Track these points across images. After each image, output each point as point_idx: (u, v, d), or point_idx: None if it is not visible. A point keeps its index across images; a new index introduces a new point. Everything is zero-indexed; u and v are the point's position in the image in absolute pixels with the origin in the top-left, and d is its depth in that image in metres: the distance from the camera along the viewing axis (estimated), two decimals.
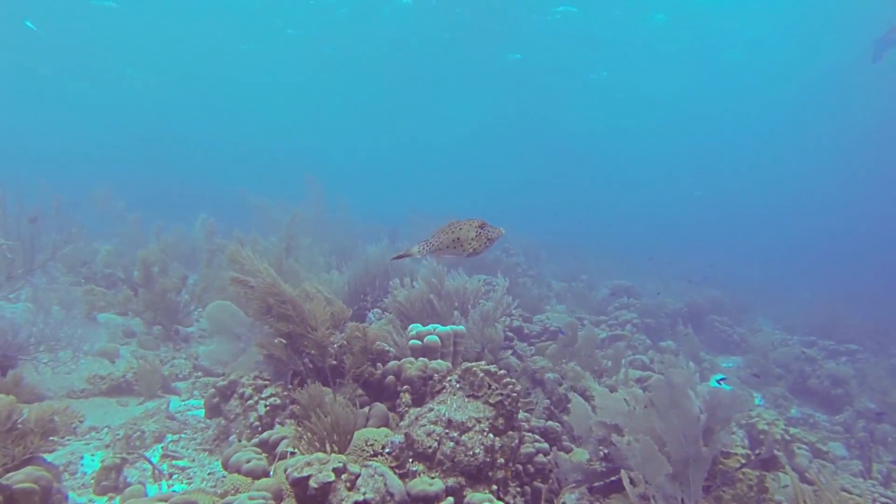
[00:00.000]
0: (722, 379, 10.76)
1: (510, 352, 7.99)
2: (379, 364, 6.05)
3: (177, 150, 65.18)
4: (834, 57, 29.84)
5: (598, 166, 69.89)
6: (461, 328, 5.69)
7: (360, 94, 46.93)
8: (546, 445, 4.83)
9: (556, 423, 5.46)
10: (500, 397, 4.27)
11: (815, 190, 64.11)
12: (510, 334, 8.42)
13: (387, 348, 6.16)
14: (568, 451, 5.32)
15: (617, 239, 33.87)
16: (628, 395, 4.73)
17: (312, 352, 4.89)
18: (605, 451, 4.91)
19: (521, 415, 5.35)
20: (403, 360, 5.18)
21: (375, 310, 9.36)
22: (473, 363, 4.51)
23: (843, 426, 9.28)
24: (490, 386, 4.34)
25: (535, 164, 71.65)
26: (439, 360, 5.06)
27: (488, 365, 4.46)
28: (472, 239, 3.26)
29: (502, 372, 4.44)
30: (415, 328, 5.73)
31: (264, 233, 11.31)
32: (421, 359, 5.18)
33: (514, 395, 4.29)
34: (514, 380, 4.39)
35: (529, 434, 5.03)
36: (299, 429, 3.94)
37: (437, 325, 5.73)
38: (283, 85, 46.32)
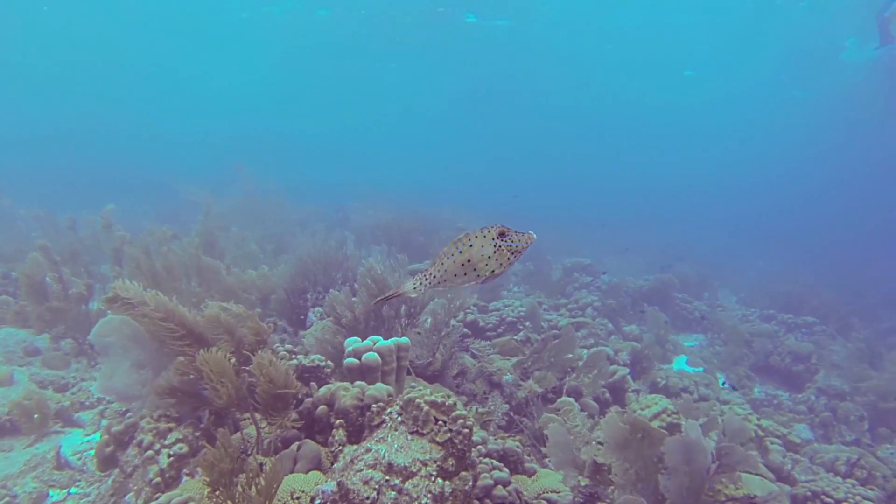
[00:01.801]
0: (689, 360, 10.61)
1: (465, 352, 7.44)
2: (313, 384, 5.40)
3: (105, 138, 61.83)
4: (795, 36, 30.05)
5: (555, 142, 70.04)
6: (404, 340, 5.06)
7: (300, 74, 45.26)
8: (506, 474, 4.30)
9: (516, 443, 4.92)
10: (449, 434, 3.67)
11: (758, 170, 66.28)
12: (465, 330, 7.86)
13: (321, 363, 5.50)
14: (531, 473, 4.81)
15: (574, 213, 33.73)
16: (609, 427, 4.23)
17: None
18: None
19: (478, 435, 4.79)
20: (337, 386, 4.51)
21: (317, 308, 8.62)
22: (417, 393, 3.90)
23: (806, 405, 9.20)
24: (437, 421, 3.74)
25: (490, 140, 71.21)
26: (379, 385, 4.41)
27: (434, 395, 3.85)
28: (490, 257, 2.40)
29: (451, 402, 3.84)
30: (351, 343, 5.08)
31: (195, 222, 10.34)
32: (358, 383, 4.53)
33: (466, 430, 3.70)
34: (465, 412, 3.80)
35: (486, 460, 4.48)
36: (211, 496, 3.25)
37: (378, 338, 5.08)
38: (220, 66, 44.27)
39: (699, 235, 31.60)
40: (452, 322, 7.70)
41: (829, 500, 5.32)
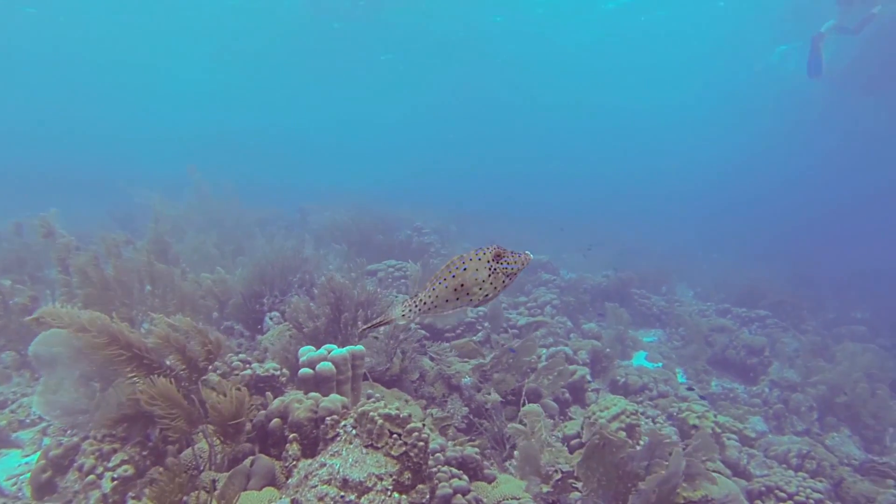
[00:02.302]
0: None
1: (424, 355, 7.38)
2: (268, 393, 5.27)
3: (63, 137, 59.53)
4: (747, 37, 30.87)
5: (518, 141, 70.66)
6: (359, 348, 4.98)
7: (255, 72, 44.36)
8: (465, 482, 4.26)
9: (475, 449, 4.88)
10: (404, 448, 3.61)
11: (714, 167, 68.16)
12: (424, 333, 7.80)
13: (275, 372, 5.37)
14: (491, 480, 4.78)
15: (537, 211, 33.99)
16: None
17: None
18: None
19: (435, 442, 4.74)
20: (291, 397, 4.40)
21: (274, 313, 8.44)
22: (371, 406, 3.82)
23: (760, 398, 9.47)
24: (392, 434, 3.67)
25: (451, 140, 71.37)
26: (333, 397, 4.32)
27: (388, 407, 3.78)
28: (485, 281, 2.29)
29: (406, 414, 3.78)
30: (305, 353, 4.96)
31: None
32: (312, 395, 4.43)
33: (422, 443, 3.65)
34: (420, 424, 3.74)
35: (445, 468, 4.43)
36: None
37: (332, 347, 4.98)
38: (172, 63, 43.04)
39: (660, 231, 32.29)
40: (412, 326, 7.65)
41: (782, 494, 5.47)
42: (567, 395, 6.98)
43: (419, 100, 52.14)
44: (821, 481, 5.88)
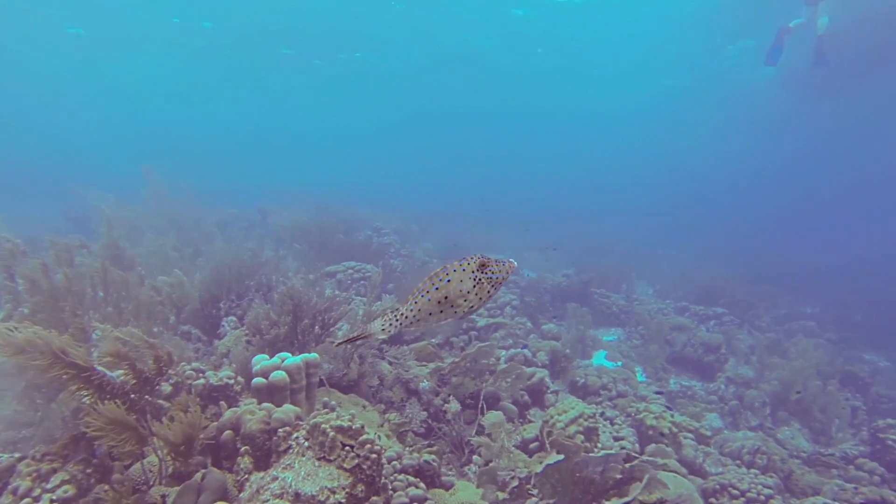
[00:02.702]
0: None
1: (382, 359, 7.33)
2: (222, 403, 5.17)
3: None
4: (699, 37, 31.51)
5: (480, 141, 70.86)
6: (313, 356, 4.92)
7: (214, 73, 43.43)
8: (422, 490, 4.25)
9: (433, 456, 4.87)
10: (357, 460, 3.57)
11: (673, 167, 69.67)
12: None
13: (230, 381, 5.26)
14: (448, 487, 4.78)
15: (497, 211, 34.16)
16: None
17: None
18: None
19: (392, 450, 4.72)
20: (243, 409, 4.31)
21: (230, 318, 8.29)
22: (323, 417, 3.77)
23: (717, 395, 9.71)
24: (345, 447, 3.63)
25: (412, 140, 71.20)
26: (286, 407, 4.25)
27: (341, 419, 3.74)
28: (470, 292, 2.18)
29: (358, 425, 3.74)
30: (259, 361, 4.87)
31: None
32: (265, 405, 4.35)
33: (374, 455, 3.62)
34: (373, 435, 3.71)
35: (402, 476, 4.41)
36: None
37: (286, 355, 4.90)
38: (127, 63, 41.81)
39: (622, 229, 32.82)
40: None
41: (735, 491, 5.62)
42: (526, 397, 7.03)
43: (382, 101, 51.84)
44: (771, 476, 6.06)
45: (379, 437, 4.50)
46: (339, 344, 2.33)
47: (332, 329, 6.89)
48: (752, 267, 22.42)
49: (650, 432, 6.41)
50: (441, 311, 2.17)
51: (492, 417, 6.09)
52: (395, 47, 36.48)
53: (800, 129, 40.11)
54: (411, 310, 2.18)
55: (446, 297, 2.15)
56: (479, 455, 5.64)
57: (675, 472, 5.90)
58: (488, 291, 2.22)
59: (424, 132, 66.62)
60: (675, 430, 6.42)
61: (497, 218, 29.44)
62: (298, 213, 15.91)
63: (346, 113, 59.09)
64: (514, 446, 5.77)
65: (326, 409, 4.37)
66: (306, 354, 4.93)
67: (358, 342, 6.66)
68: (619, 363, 10.42)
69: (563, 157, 76.91)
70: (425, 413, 6.57)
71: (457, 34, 33.88)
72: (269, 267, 9.57)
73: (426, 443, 6.05)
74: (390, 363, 7.23)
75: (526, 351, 8.17)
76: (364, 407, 6.24)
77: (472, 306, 2.21)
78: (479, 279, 2.19)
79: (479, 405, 6.49)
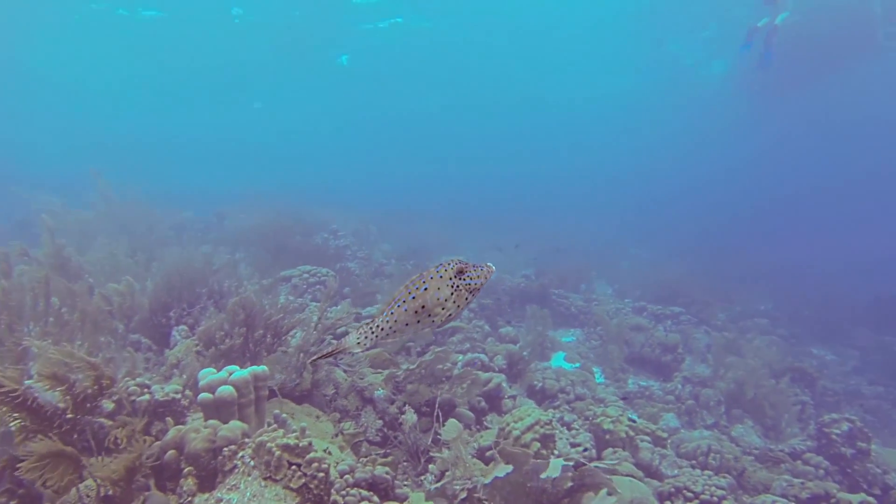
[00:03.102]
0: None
1: (337, 366, 7.23)
2: (169, 419, 5.00)
3: None
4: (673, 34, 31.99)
5: (439, 140, 70.96)
6: (262, 369, 4.80)
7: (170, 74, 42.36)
8: None
9: (386, 469, 4.81)
10: (303, 479, 3.49)
11: (635, 165, 71.02)
12: (336, 342, 7.63)
13: (176, 395, 5.10)
14: (402, 500, 4.72)
15: (459, 210, 34.11)
16: None
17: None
18: None
19: (345, 463, 4.63)
20: (188, 427, 4.17)
21: (181, 327, 8.05)
22: (269, 436, 3.67)
23: (674, 395, 9.90)
24: (291, 465, 3.54)
25: (372, 141, 70.90)
26: (233, 424, 4.13)
27: (287, 437, 3.65)
28: (447, 300, 2.11)
29: (305, 443, 3.66)
30: (206, 375, 4.72)
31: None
32: (211, 422, 4.22)
33: (322, 474, 3.54)
34: (320, 453, 3.63)
35: (354, 490, 4.33)
36: None
37: (234, 368, 4.76)
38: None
39: (583, 228, 33.17)
40: (327, 338, 7.49)
41: (689, 493, 5.72)
42: (483, 403, 7.02)
43: (343, 100, 51.41)
44: (724, 477, 6.19)
45: (330, 453, 4.41)
46: (315, 360, 2.25)
47: (284, 338, 6.77)
48: (711, 265, 23.00)
49: (607, 437, 6.48)
50: (418, 322, 2.11)
51: (448, 426, 6.07)
52: (356, 45, 36.18)
53: (753, 126, 41.23)
54: (387, 321, 2.11)
55: (423, 307, 2.08)
56: (435, 464, 5.61)
57: (632, 475, 5.98)
58: (466, 298, 2.15)
59: (387, 131, 66.37)
60: (631, 433, 6.50)
61: (458, 217, 29.47)
62: (256, 215, 15.65)
63: (309, 113, 58.37)
64: (470, 454, 5.75)
65: (275, 425, 4.26)
66: (255, 367, 4.81)
67: (299, 345, 6.58)
68: (578, 364, 10.53)
69: (527, 157, 77.57)
70: (381, 422, 6.51)
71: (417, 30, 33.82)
72: (222, 273, 9.35)
73: (382, 452, 5.99)
74: (345, 371, 7.14)
75: (483, 356, 8.17)
76: (318, 417, 6.14)
77: (449, 314, 2.14)
78: (457, 286, 2.12)
79: (435, 413, 6.45)
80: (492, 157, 77.46)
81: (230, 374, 4.62)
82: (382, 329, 2.12)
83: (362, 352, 2.20)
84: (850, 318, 17.04)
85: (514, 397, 7.66)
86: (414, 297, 2.08)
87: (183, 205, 20.63)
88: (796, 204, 54.29)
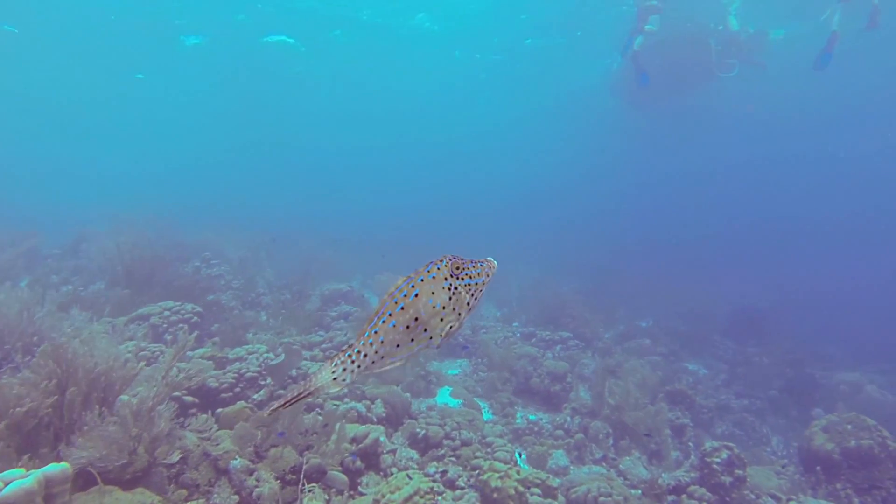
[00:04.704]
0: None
1: (186, 429, 6.12)
2: None
3: None
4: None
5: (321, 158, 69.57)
6: (59, 469, 3.72)
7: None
8: None
9: None
10: None
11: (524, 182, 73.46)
12: (189, 400, 6.52)
13: None
14: None
15: (354, 231, 33.00)
16: None
17: None
18: None
19: None
20: None
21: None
22: None
23: (563, 428, 9.63)
24: None
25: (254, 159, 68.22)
26: None
27: None
28: (446, 307, 1.66)
29: None
30: None
31: None
32: None
33: None
34: None
35: None
36: None
37: (15, 473, 3.64)
38: None
39: (474, 245, 33.24)
40: (181, 393, 6.38)
41: None
42: (358, 463, 6.23)
43: (239, 116, 48.84)
44: None
45: None
46: (274, 411, 1.59)
47: (115, 404, 5.57)
48: (596, 281, 23.60)
49: (495, 495, 5.91)
50: (412, 340, 1.67)
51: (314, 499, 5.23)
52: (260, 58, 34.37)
53: (626, 135, 43.67)
54: (371, 343, 1.64)
55: (416, 319, 1.65)
56: None
57: None
58: (468, 303, 1.73)
59: (281, 150, 64.02)
60: (521, 488, 5.99)
61: (353, 239, 28.49)
62: (125, 238, 13.72)
63: (199, 130, 54.86)
64: None
65: None
66: (49, 468, 3.70)
67: (134, 411, 5.43)
68: (461, 402, 9.97)
69: (417, 178, 77.88)
70: (237, 497, 5.52)
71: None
72: (50, 319, 7.79)
73: None
74: (198, 435, 6.04)
75: (359, 405, 7.35)
76: None
77: (450, 326, 1.72)
78: (455, 288, 1.70)
79: (300, 483, 5.57)
80: (392, 180, 77.25)
81: (5, 485, 3.48)
82: (366, 356, 1.65)
83: (339, 390, 1.70)
84: (718, 330, 18.06)
85: (394, 451, 6.93)
86: (403, 308, 1.65)
87: (38, 227, 18.00)
88: (666, 218, 58.31)
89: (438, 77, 37.05)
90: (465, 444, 7.65)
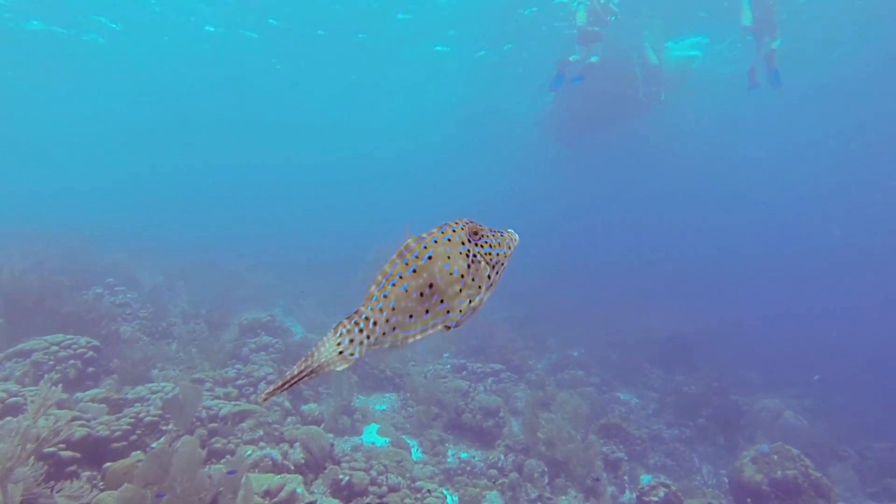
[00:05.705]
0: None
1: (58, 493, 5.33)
2: None
3: None
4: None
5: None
6: None
7: None
8: None
9: None
10: None
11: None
12: (68, 455, 5.71)
13: None
14: None
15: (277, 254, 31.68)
16: None
17: None
18: None
19: None
20: None
21: None
22: None
23: (496, 467, 9.25)
24: None
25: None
26: None
27: None
28: (465, 276, 1.35)
29: None
30: None
31: None
32: None
33: None
34: None
35: None
36: None
37: None
38: None
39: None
40: (51, 448, 5.57)
41: None
42: None
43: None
44: None
45: None
46: (270, 395, 1.26)
47: None
48: (526, 306, 23.55)
49: None
50: (427, 312, 1.36)
51: None
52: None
53: (556, 164, 44.74)
54: (381, 308, 1.32)
55: (431, 286, 1.35)
56: None
57: None
58: (489, 277, 1.44)
59: (210, 169, 61.80)
60: None
61: (279, 261, 27.40)
62: (13, 262, 12.30)
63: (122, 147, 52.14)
64: None
65: None
66: None
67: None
68: (389, 440, 9.45)
69: (343, 198, 77.01)
70: None
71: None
72: None
73: None
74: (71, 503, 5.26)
75: (275, 451, 6.72)
76: None
77: (470, 301, 1.42)
78: (474, 256, 1.43)
79: None
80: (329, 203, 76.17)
81: None
82: (376, 324, 1.33)
83: (347, 367, 1.35)
84: (648, 358, 18.33)
85: (313, 503, 6.33)
86: (414, 270, 1.35)
87: None
88: (596, 245, 59.87)
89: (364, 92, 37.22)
90: (392, 489, 7.13)
